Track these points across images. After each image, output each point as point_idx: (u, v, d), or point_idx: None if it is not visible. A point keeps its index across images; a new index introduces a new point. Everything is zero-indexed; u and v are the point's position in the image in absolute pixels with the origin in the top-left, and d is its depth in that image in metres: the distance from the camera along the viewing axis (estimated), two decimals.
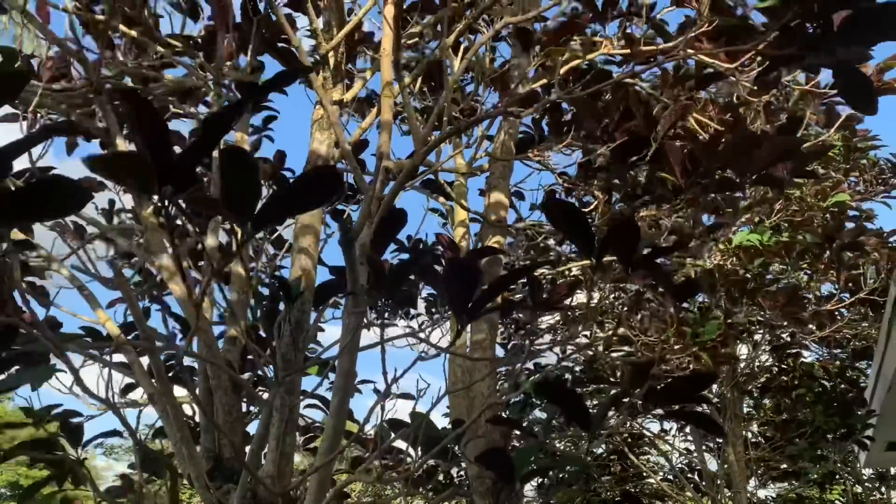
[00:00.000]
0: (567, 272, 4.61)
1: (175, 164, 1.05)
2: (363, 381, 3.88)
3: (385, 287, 2.04)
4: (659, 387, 1.67)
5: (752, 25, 1.93)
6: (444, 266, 1.52)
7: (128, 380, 3.07)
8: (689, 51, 2.08)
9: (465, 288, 1.47)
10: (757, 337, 7.43)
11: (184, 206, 1.35)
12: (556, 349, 6.20)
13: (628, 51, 2.63)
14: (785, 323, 6.31)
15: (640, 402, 1.67)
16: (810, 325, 6.76)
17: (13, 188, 0.88)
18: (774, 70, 1.97)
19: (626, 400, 1.77)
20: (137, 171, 1.05)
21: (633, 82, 2.65)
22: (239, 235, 1.18)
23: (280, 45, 2.91)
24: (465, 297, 1.47)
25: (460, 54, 2.41)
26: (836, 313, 6.76)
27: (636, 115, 2.46)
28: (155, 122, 1.03)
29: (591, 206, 3.42)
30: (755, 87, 3.62)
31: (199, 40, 3.02)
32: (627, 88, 2.63)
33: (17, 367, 1.83)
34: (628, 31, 2.74)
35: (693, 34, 2.20)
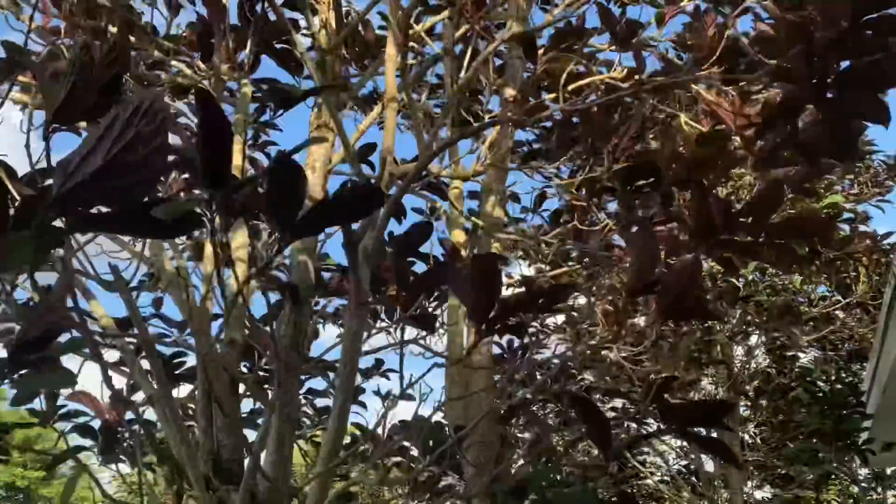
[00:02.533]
0: (566, 275, 4.61)
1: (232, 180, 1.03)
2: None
3: (405, 299, 2.03)
4: (675, 409, 1.60)
5: (759, 62, 1.89)
6: (470, 277, 1.49)
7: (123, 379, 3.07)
8: (695, 86, 2.06)
9: (488, 299, 1.46)
10: (752, 339, 7.46)
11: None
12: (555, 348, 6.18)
13: (635, 78, 2.61)
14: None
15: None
16: (804, 328, 6.80)
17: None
18: (773, 125, 1.92)
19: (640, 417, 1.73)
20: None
21: (636, 98, 2.65)
22: (278, 241, 1.18)
23: (278, 45, 2.91)
24: (486, 308, 1.46)
25: (466, 60, 2.42)
26: (831, 315, 6.79)
27: (659, 139, 2.41)
28: (221, 127, 1.00)
29: (599, 227, 3.39)
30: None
31: (195, 40, 3.01)
32: (643, 113, 2.60)
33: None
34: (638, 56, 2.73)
35: (702, 71, 2.18)
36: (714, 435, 2.30)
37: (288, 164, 1.15)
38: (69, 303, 1.26)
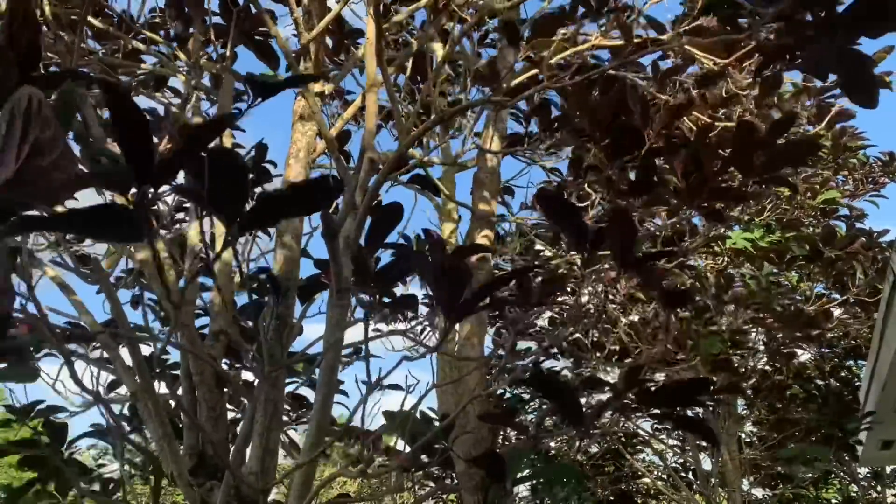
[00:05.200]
0: (556, 268, 4.58)
1: (156, 169, 1.02)
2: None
3: (376, 287, 1.99)
4: (653, 389, 1.61)
5: (749, 12, 1.85)
6: (433, 266, 1.48)
7: (111, 376, 3.03)
8: (683, 42, 2.03)
9: (454, 288, 1.45)
10: (751, 337, 7.41)
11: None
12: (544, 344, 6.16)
13: (620, 43, 2.59)
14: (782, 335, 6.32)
15: (633, 404, 1.61)
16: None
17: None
18: (772, 64, 1.90)
19: (618, 401, 1.71)
20: (117, 180, 1.05)
21: (622, 74, 2.62)
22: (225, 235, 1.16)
23: (257, 37, 2.88)
24: (454, 297, 1.45)
25: (448, 44, 2.39)
26: (828, 312, 6.76)
27: (631, 111, 2.40)
28: (135, 120, 0.99)
29: (585, 203, 3.39)
30: (747, 83, 3.59)
31: (173, 31, 2.98)
32: (622, 83, 2.58)
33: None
34: (622, 21, 2.71)
35: (688, 27, 2.15)
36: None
37: (225, 155, 1.13)
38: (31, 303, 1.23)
